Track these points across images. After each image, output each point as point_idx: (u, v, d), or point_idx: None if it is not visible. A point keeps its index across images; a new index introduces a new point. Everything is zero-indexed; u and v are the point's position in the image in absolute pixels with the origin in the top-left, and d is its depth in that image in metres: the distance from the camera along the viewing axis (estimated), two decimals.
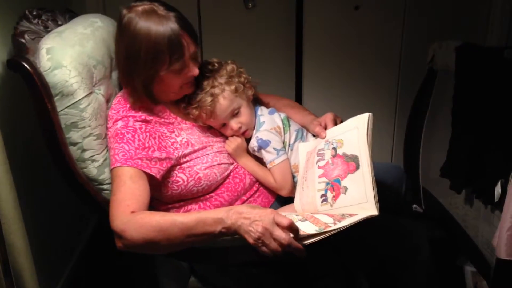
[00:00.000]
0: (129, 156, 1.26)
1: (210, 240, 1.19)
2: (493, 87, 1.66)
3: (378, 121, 1.33)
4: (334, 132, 1.36)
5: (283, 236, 1.06)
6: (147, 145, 1.29)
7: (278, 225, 1.07)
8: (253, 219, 1.09)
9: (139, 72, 1.29)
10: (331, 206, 1.24)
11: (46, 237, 1.74)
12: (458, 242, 1.98)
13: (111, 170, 1.28)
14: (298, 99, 2.40)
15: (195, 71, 1.34)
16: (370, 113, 1.26)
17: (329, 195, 1.26)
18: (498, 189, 1.61)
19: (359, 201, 1.17)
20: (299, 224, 1.10)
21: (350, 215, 1.15)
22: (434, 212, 2.13)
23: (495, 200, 1.62)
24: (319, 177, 1.31)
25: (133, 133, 1.28)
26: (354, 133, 1.28)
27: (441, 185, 1.95)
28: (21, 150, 1.54)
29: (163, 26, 1.24)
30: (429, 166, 2.11)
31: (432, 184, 2.13)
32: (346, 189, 1.22)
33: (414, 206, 2.21)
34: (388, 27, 2.33)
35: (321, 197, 1.28)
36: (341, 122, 1.41)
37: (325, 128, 1.40)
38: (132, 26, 1.25)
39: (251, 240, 1.09)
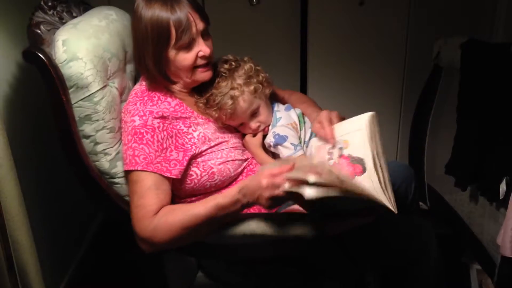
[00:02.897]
0: (149, 160, 1.26)
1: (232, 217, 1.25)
2: (499, 84, 1.65)
3: (383, 117, 1.33)
4: (340, 131, 1.34)
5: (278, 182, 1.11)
6: (165, 145, 1.29)
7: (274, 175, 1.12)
8: (256, 192, 1.14)
9: (148, 51, 1.30)
10: None
11: (52, 233, 1.74)
12: (463, 239, 1.98)
13: (130, 171, 1.28)
14: None
15: (206, 49, 1.33)
16: (374, 112, 1.25)
17: None
18: (503, 186, 1.60)
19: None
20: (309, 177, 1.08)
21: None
22: (439, 209, 2.12)
23: (500, 198, 1.62)
24: None
25: (152, 133, 1.28)
26: (358, 134, 1.26)
27: (446, 182, 1.94)
28: (26, 147, 1.54)
29: (169, 3, 1.27)
30: (434, 163, 2.10)
31: (437, 181, 2.13)
32: None
33: (420, 203, 2.21)
34: (393, 23, 2.31)
35: None
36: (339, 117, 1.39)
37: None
38: (140, 8, 1.29)
39: (266, 207, 1.16)
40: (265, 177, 1.12)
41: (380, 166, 1.19)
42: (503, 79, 1.65)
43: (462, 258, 1.99)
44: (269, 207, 1.16)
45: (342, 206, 1.20)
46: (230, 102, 1.37)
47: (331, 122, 1.35)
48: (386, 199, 1.13)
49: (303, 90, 2.40)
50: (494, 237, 1.68)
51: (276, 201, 1.14)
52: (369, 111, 1.36)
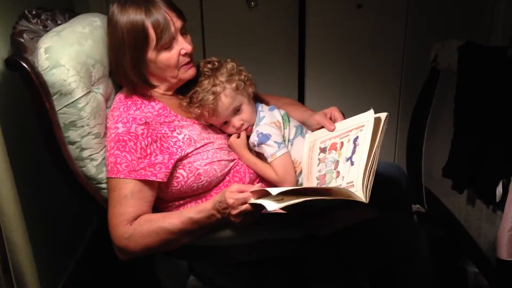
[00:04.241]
0: (132, 168, 1.27)
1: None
2: (496, 87, 1.65)
3: None
4: (344, 125, 1.37)
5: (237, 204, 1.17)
6: (149, 151, 1.29)
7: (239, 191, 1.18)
8: (225, 210, 1.20)
9: (125, 56, 1.32)
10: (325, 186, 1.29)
11: (48, 236, 1.74)
12: (460, 242, 1.97)
13: (110, 178, 1.29)
14: (301, 98, 2.40)
15: (187, 47, 1.35)
16: (386, 113, 1.28)
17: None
18: (499, 189, 1.60)
19: (348, 185, 1.21)
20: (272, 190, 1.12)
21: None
22: (436, 212, 2.12)
23: (497, 200, 1.62)
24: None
25: (135, 141, 1.28)
26: (363, 129, 1.29)
27: (443, 185, 1.94)
28: (22, 148, 1.54)
29: (143, 6, 1.29)
30: (432, 165, 2.10)
31: (434, 184, 2.13)
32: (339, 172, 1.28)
33: (417, 206, 2.21)
34: (391, 26, 2.32)
35: (317, 178, 1.33)
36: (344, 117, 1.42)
37: (334, 121, 1.42)
38: (115, 15, 1.31)
39: (238, 224, 1.20)
40: (231, 195, 1.17)
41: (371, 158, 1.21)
42: (500, 82, 1.65)
43: (459, 261, 1.99)
44: (241, 224, 1.20)
45: (319, 205, 1.22)
46: (212, 97, 1.38)
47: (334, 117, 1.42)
48: (361, 185, 1.17)
49: (301, 92, 2.40)
50: (491, 240, 1.68)
51: (246, 217, 1.18)
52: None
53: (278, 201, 1.12)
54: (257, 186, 1.17)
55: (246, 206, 1.16)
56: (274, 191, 1.09)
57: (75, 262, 1.98)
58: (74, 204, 1.93)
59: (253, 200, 1.15)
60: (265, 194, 1.14)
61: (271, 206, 1.09)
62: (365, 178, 1.18)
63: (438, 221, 2.11)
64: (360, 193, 1.15)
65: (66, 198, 1.86)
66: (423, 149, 2.11)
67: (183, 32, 1.36)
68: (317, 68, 2.38)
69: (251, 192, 1.16)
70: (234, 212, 1.17)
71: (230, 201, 1.17)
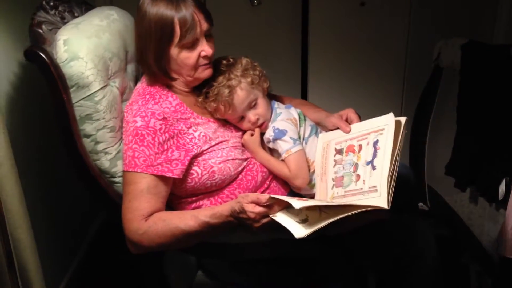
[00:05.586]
0: (149, 163, 1.26)
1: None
2: (498, 85, 1.66)
3: None
4: (360, 128, 1.36)
5: (253, 210, 1.16)
6: (166, 146, 1.29)
7: (256, 203, 1.17)
8: (246, 221, 1.19)
9: (150, 47, 1.31)
10: (343, 189, 1.28)
11: (52, 232, 1.75)
12: (463, 240, 1.98)
13: (127, 171, 1.28)
14: (304, 96, 2.40)
15: (208, 50, 1.34)
16: (406, 117, 1.28)
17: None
18: (502, 187, 1.60)
19: (370, 189, 1.20)
20: (292, 201, 1.11)
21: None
22: (439, 210, 2.13)
23: (500, 198, 1.62)
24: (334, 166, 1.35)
25: (153, 135, 1.28)
26: (383, 132, 1.28)
27: (446, 183, 1.95)
28: (26, 145, 1.55)
29: (175, 1, 1.28)
30: (435, 164, 2.11)
31: (437, 182, 2.13)
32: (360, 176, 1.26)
33: (420, 204, 2.21)
34: (394, 24, 2.32)
35: (333, 180, 1.32)
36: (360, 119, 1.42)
37: (349, 123, 1.41)
38: (145, 4, 1.29)
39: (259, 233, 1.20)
40: (250, 208, 1.17)
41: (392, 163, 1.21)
42: (503, 81, 1.65)
43: (462, 259, 1.99)
44: (261, 231, 1.20)
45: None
46: (227, 91, 1.38)
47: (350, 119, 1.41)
48: (385, 192, 1.16)
49: (304, 90, 2.41)
50: (494, 237, 1.68)
51: (267, 225, 1.18)
52: (369, 111, 1.37)
53: (303, 221, 1.11)
54: (266, 197, 1.16)
55: (268, 219, 1.16)
56: (296, 204, 1.07)
57: (79, 258, 1.98)
58: (78, 200, 1.94)
59: (277, 219, 1.14)
60: (285, 203, 1.14)
61: (298, 232, 1.08)
62: (387, 184, 1.17)
63: (441, 219, 2.11)
64: (384, 199, 1.15)
65: (70, 194, 1.87)
66: (426, 147, 2.12)
67: (208, 35, 1.36)
68: (320, 66, 2.38)
69: (271, 201, 1.16)
70: (256, 225, 1.18)
71: (252, 215, 1.17)
